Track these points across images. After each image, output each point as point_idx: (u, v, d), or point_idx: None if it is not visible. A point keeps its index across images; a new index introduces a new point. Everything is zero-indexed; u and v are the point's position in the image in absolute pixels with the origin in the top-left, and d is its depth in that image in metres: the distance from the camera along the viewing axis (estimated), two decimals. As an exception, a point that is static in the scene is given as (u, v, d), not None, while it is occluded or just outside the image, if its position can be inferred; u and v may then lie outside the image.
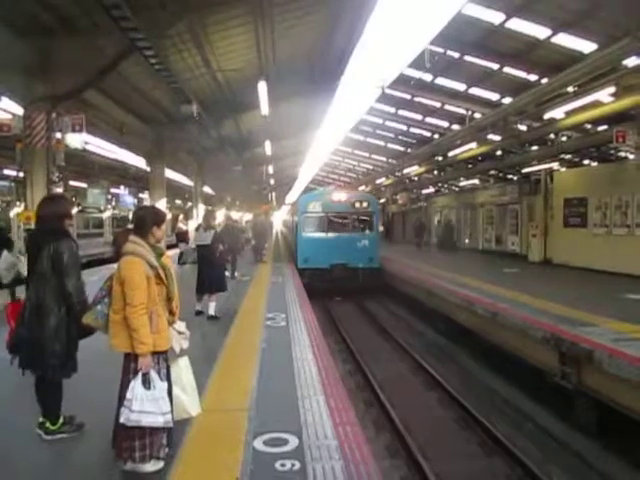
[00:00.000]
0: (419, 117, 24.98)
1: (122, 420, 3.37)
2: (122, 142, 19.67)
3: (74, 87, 10.37)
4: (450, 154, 24.32)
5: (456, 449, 6.78)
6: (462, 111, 21.33)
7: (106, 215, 37.08)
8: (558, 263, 17.01)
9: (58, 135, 10.65)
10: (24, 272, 4.40)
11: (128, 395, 3.38)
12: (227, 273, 10.94)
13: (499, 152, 21.83)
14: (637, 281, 12.57)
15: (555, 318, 8.52)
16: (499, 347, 9.63)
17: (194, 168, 23.24)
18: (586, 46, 13.88)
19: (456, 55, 16.91)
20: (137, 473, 3.47)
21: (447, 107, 22.10)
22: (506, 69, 16.77)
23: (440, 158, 25.77)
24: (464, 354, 11.14)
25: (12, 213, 24.48)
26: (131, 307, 3.39)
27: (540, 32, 14.08)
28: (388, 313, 16.20)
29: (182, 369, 3.91)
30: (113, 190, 32.54)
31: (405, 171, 31.50)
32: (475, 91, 19.54)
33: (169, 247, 21.93)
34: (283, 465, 3.62)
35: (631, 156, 15.36)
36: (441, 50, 16.57)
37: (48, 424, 4.03)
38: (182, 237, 18.74)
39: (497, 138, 20.04)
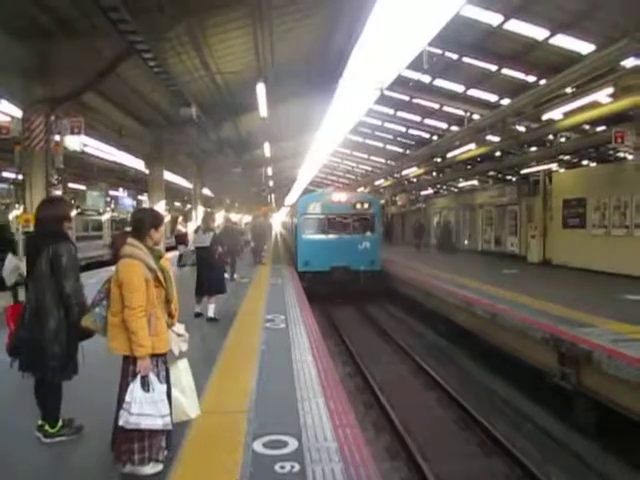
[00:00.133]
0: (418, 118, 24.99)
1: (121, 423, 3.37)
2: (121, 144, 19.63)
3: (73, 89, 10.37)
4: (449, 155, 24.32)
5: (455, 450, 6.79)
6: (461, 112, 21.34)
7: (105, 217, 37.07)
8: (557, 264, 17.02)
9: (57, 137, 10.65)
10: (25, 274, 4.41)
11: (127, 398, 3.38)
12: (226, 275, 10.94)
13: (498, 153, 21.83)
14: (636, 282, 12.59)
15: (554, 319, 8.53)
16: (498, 348, 9.63)
17: (193, 170, 23.23)
18: (584, 47, 13.91)
19: (454, 56, 16.93)
20: (136, 476, 3.47)
21: (446, 108, 22.12)
22: (504, 70, 16.80)
23: (439, 159, 25.76)
24: (463, 355, 11.15)
25: (11, 215, 24.46)
26: (129, 310, 3.39)
27: (538, 33, 14.10)
28: (387, 315, 16.20)
29: (181, 371, 3.91)
30: (112, 192, 32.49)
31: (404, 172, 31.48)
32: (474, 92, 19.56)
33: (168, 249, 21.97)
34: (283, 467, 3.62)
35: (630, 157, 15.36)
36: (439, 51, 16.60)
37: (47, 427, 4.03)
38: (181, 239, 18.72)
39: (496, 139, 20.05)
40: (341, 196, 18.38)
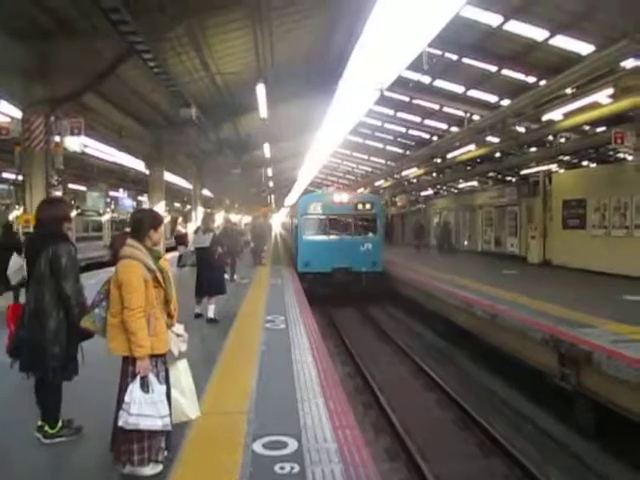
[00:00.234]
0: (418, 119, 25.01)
1: (120, 423, 3.37)
2: (121, 145, 19.66)
3: (73, 90, 10.38)
4: (449, 156, 24.33)
5: (455, 450, 6.78)
6: (461, 113, 21.36)
7: (105, 218, 37.10)
8: (557, 265, 17.02)
9: (57, 138, 10.66)
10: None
11: (126, 398, 3.38)
12: (226, 276, 10.94)
13: (498, 154, 21.85)
14: (636, 282, 12.58)
15: (554, 319, 8.53)
16: (498, 349, 9.63)
17: (193, 171, 23.25)
18: (584, 48, 13.92)
19: (454, 57, 16.94)
20: (136, 476, 3.47)
21: (446, 109, 22.13)
22: (504, 71, 16.81)
23: (439, 160, 25.78)
24: (463, 356, 11.14)
25: (11, 216, 24.46)
26: (129, 310, 3.39)
27: (538, 34, 14.12)
28: (387, 316, 16.19)
29: (181, 372, 3.91)
30: (112, 193, 32.51)
31: (404, 173, 31.51)
32: (473, 93, 19.58)
33: (168, 250, 21.97)
34: (282, 468, 3.62)
35: (629, 157, 15.37)
36: (439, 52, 16.61)
37: (47, 427, 4.03)
38: (181, 240, 18.74)
39: (496, 140, 20.07)
40: (342, 196, 18.07)
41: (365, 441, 4.36)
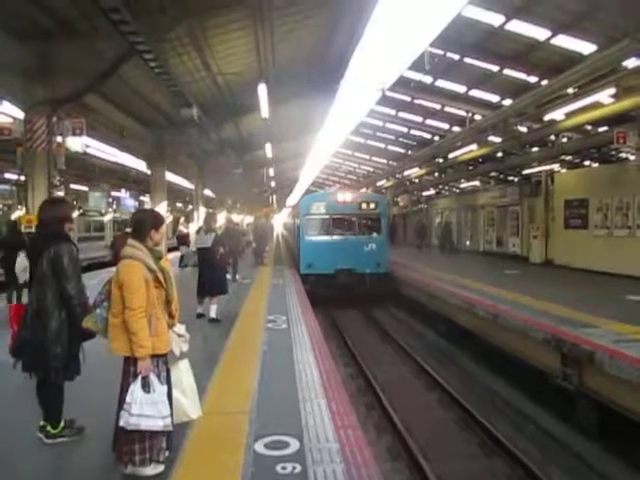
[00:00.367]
0: (419, 119, 24.99)
1: (121, 423, 3.38)
2: (123, 145, 19.67)
3: (74, 91, 10.38)
4: (450, 156, 24.32)
5: (457, 450, 6.78)
6: (462, 113, 21.34)
7: (107, 218, 37.16)
8: (559, 264, 16.99)
9: (59, 139, 10.67)
10: None
11: (127, 399, 3.38)
12: (228, 276, 10.94)
13: (500, 154, 21.84)
14: (638, 282, 12.55)
15: (556, 319, 8.52)
16: (500, 349, 9.62)
17: (195, 171, 23.25)
18: (586, 47, 13.89)
19: (456, 57, 16.92)
20: (137, 477, 3.47)
21: (447, 109, 22.11)
22: (506, 71, 16.78)
23: (441, 160, 25.77)
24: (465, 356, 11.13)
25: (13, 216, 24.51)
26: (130, 310, 3.39)
27: (540, 34, 14.09)
28: (390, 316, 16.17)
29: (182, 372, 3.91)
30: (114, 193, 32.57)
31: (406, 173, 31.51)
32: (475, 93, 19.55)
33: (170, 250, 22.00)
34: (284, 468, 3.62)
35: (632, 157, 15.35)
36: (441, 52, 16.58)
37: (49, 428, 4.03)
38: (183, 240, 18.72)
39: (497, 140, 20.05)
40: (346, 196, 17.60)
41: (367, 441, 4.35)
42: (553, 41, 14.14)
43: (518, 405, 8.28)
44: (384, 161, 37.26)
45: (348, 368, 10.46)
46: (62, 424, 4.08)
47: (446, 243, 26.26)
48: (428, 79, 19.22)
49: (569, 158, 21.17)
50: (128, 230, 3.93)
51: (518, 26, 14.10)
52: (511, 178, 25.33)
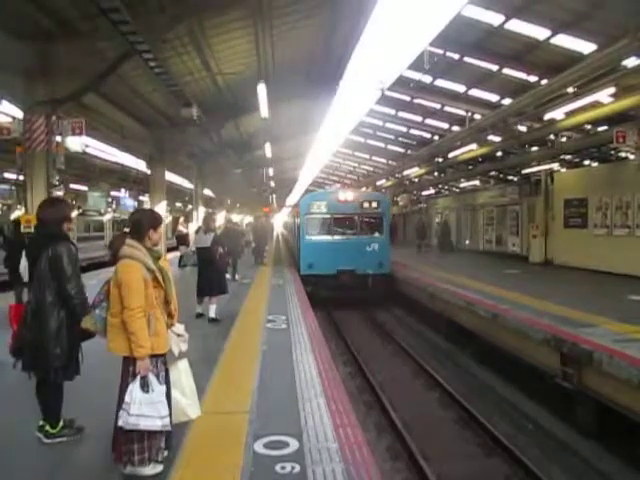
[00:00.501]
0: (419, 119, 24.95)
1: (120, 423, 3.38)
2: (122, 145, 19.67)
3: (74, 90, 10.36)
4: (450, 155, 24.31)
5: (456, 449, 6.78)
6: (462, 112, 21.30)
7: (106, 218, 37.14)
8: (559, 264, 17.00)
9: (58, 138, 10.65)
10: None
11: (126, 398, 3.38)
12: (228, 276, 10.94)
13: (499, 153, 21.81)
14: (637, 282, 12.55)
15: (556, 319, 8.52)
16: (500, 348, 9.62)
17: (194, 171, 23.25)
18: (585, 47, 13.87)
19: (456, 56, 16.89)
20: (137, 476, 3.47)
21: (447, 108, 22.08)
22: (506, 70, 16.76)
23: (440, 159, 25.75)
24: (465, 355, 11.13)
25: (13, 216, 24.51)
26: (129, 310, 3.39)
27: (539, 33, 14.07)
28: (389, 315, 16.16)
29: (181, 372, 3.90)
30: (113, 193, 32.51)
31: (405, 173, 31.49)
32: (475, 92, 19.52)
33: (170, 250, 21.99)
34: (283, 468, 3.62)
35: (631, 156, 15.34)
36: (441, 52, 16.56)
37: (48, 427, 4.03)
38: (182, 240, 18.73)
39: (497, 139, 20.03)
40: (347, 194, 17.27)
41: (366, 440, 4.35)
42: (553, 40, 14.12)
43: (518, 404, 8.28)
44: (384, 160, 37.24)
45: (347, 367, 10.46)
46: (61, 424, 4.08)
47: (444, 242, 26.26)
48: (428, 78, 19.18)
49: (569, 157, 21.15)
50: (127, 230, 3.93)
51: (518, 25, 14.08)
52: (511, 177, 25.31)
